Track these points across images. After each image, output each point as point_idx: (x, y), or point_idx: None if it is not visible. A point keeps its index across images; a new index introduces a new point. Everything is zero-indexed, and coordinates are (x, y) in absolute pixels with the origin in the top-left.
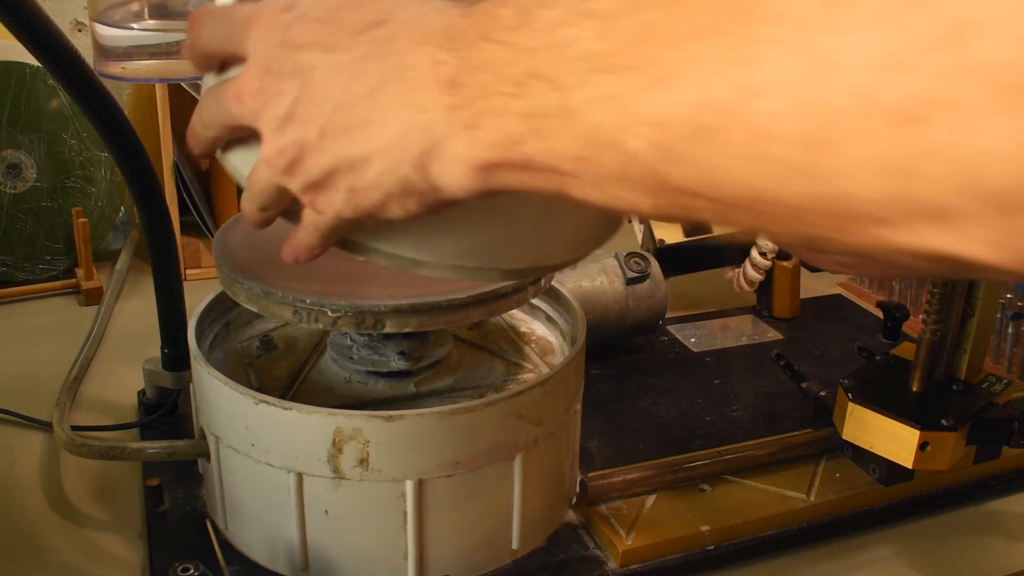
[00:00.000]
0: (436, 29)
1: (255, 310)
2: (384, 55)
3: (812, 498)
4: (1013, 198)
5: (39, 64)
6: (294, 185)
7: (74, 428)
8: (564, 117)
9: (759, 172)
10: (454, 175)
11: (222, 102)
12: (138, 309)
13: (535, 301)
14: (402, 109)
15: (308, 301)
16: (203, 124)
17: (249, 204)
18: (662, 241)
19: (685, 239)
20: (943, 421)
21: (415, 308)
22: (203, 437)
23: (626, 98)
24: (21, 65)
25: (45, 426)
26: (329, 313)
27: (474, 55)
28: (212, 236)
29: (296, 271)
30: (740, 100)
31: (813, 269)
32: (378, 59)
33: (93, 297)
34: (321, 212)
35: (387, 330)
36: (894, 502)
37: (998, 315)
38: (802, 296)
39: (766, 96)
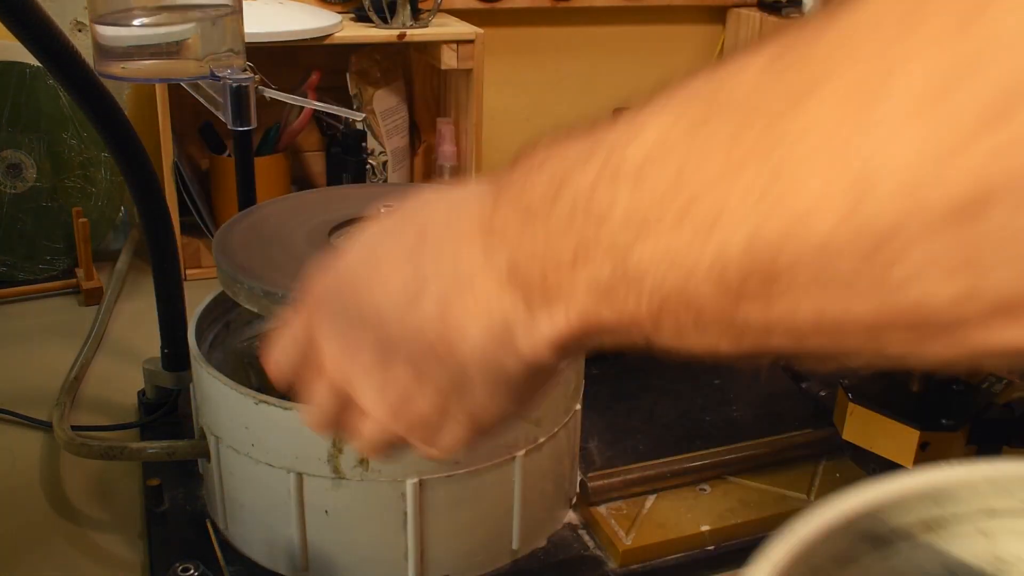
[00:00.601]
0: (473, 226)
1: (255, 310)
2: (440, 274)
3: (812, 498)
4: None
5: (39, 64)
6: (409, 434)
7: (74, 428)
8: (627, 282)
9: (827, 296)
10: (543, 351)
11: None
12: (138, 309)
13: None
14: (474, 317)
15: None
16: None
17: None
18: None
19: None
20: (943, 421)
21: None
22: (203, 437)
23: (679, 250)
24: (21, 65)
25: (45, 426)
26: None
27: (524, 239)
28: (212, 236)
29: (297, 271)
30: (791, 229)
31: None
32: (435, 281)
33: (93, 297)
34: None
35: None
36: None
37: None
38: None
39: (815, 218)
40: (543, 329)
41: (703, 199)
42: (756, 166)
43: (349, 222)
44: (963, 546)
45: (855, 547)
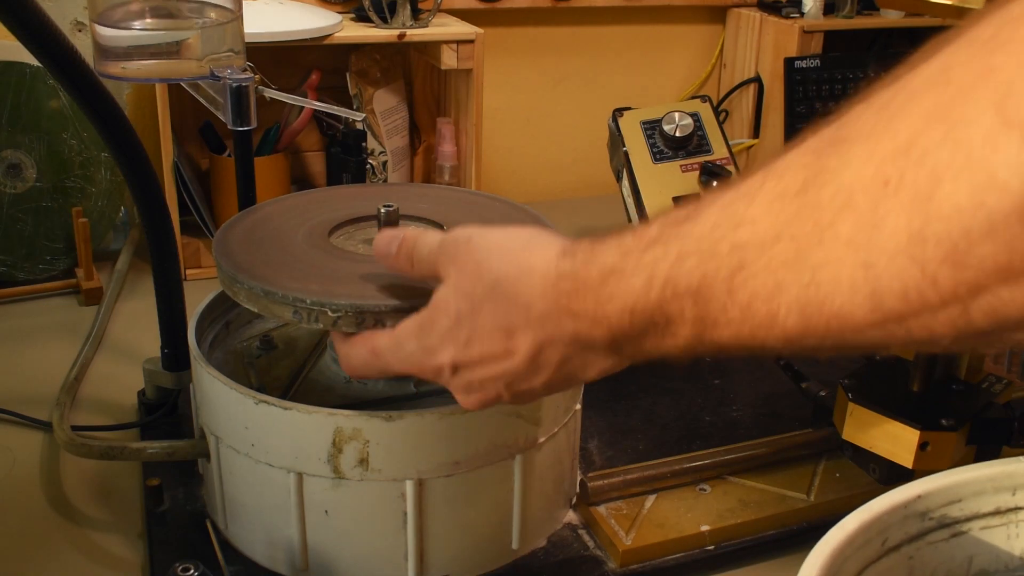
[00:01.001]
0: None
1: (255, 310)
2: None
3: (812, 498)
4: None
5: (39, 64)
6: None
7: (74, 428)
8: (709, 347)
9: (863, 339)
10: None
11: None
12: (138, 309)
13: None
14: (588, 371)
15: (308, 301)
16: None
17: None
18: None
19: None
20: (943, 421)
21: (415, 308)
22: (203, 437)
23: (749, 334)
24: (21, 65)
25: (45, 426)
26: (329, 313)
27: (616, 326)
28: (212, 236)
29: (296, 271)
30: (833, 320)
31: None
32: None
33: (93, 297)
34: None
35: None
36: None
37: None
38: None
39: (848, 314)
40: (643, 355)
41: (758, 306)
42: (795, 285)
43: (349, 222)
44: None
45: (926, 526)
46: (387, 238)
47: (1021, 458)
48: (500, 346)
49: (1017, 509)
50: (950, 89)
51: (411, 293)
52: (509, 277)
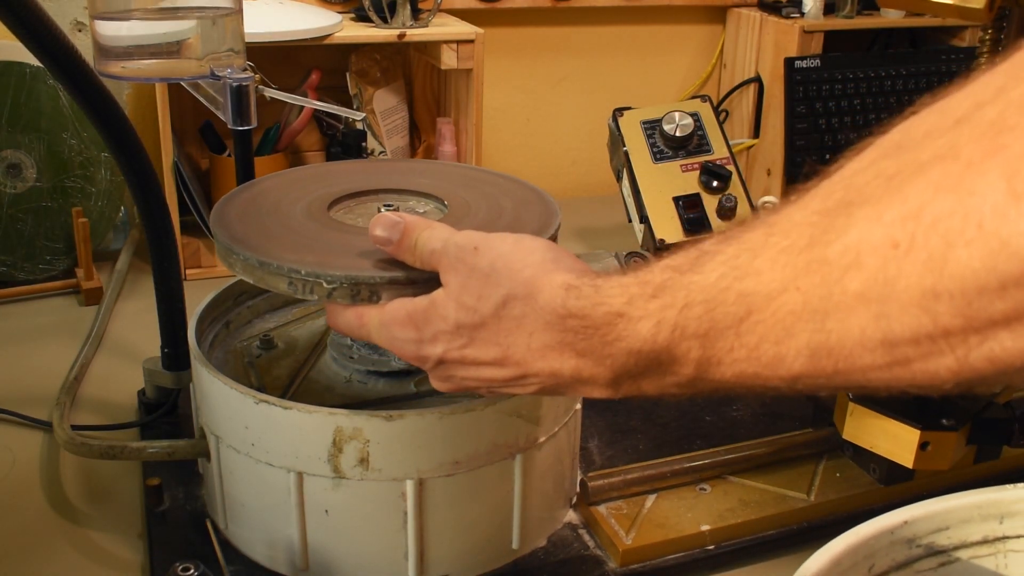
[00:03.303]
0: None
1: (251, 281)
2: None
3: (812, 498)
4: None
5: (39, 64)
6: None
7: (74, 428)
8: (708, 384)
9: (866, 377)
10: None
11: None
12: (138, 309)
13: None
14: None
15: (303, 272)
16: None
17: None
18: (662, 241)
19: (685, 238)
20: (943, 421)
21: (411, 280)
22: (203, 437)
23: (754, 373)
24: (21, 65)
25: (45, 426)
26: (324, 284)
27: (623, 367)
28: (212, 235)
29: (293, 242)
30: (842, 361)
31: None
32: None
33: (93, 297)
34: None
35: (383, 302)
36: (894, 502)
37: None
38: None
39: (858, 356)
40: (639, 392)
41: (766, 348)
42: (805, 332)
43: (349, 196)
44: (1020, 562)
45: (913, 553)
46: (388, 224)
47: (1007, 486)
48: (494, 360)
49: (1005, 538)
50: (959, 163)
51: (408, 265)
52: (517, 297)
